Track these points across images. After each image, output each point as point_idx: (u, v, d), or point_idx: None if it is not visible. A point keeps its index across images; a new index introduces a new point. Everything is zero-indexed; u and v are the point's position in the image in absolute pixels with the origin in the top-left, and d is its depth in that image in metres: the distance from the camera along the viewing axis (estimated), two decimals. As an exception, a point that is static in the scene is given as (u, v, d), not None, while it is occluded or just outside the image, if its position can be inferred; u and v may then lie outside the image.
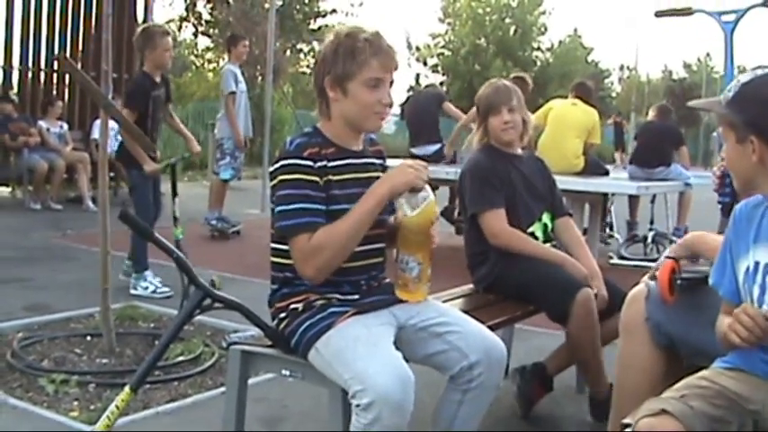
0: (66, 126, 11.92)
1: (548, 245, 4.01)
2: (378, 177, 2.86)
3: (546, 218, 4.06)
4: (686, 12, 3.05)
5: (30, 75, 12.74)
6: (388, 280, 2.99)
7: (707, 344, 2.68)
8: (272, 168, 2.79)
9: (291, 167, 2.72)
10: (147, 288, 6.12)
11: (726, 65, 3.26)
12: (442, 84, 33.49)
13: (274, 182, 2.75)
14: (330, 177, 2.76)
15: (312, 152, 2.75)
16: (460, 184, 4.08)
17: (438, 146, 9.55)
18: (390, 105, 2.83)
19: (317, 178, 2.72)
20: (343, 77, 2.76)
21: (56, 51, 12.79)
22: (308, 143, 2.78)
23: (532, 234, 3.97)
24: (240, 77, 9.25)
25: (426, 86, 11.95)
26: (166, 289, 6.11)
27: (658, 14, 3.39)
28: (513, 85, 4.16)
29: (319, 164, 2.74)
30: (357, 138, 2.92)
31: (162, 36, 6.20)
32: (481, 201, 3.95)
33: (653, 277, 2.86)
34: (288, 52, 22.44)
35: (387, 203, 2.75)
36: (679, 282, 2.69)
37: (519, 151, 4.14)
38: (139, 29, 6.47)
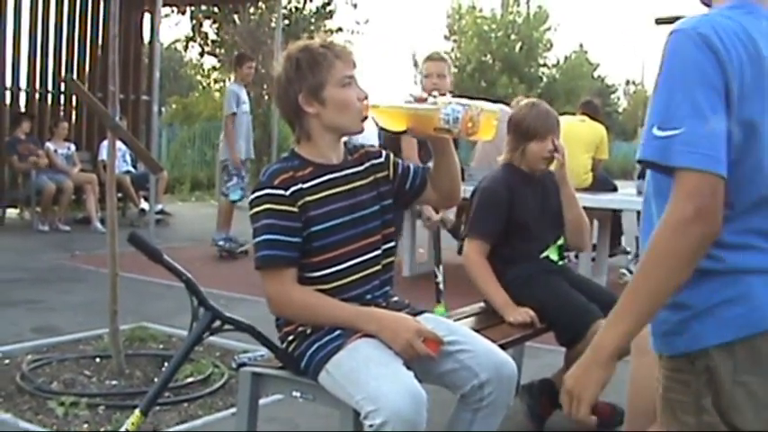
0: (73, 147, 11.94)
1: (562, 263, 3.99)
2: (362, 186, 2.89)
3: (561, 240, 4.01)
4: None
5: (37, 96, 12.77)
6: (396, 299, 2.97)
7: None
8: (249, 200, 2.80)
9: (262, 199, 2.74)
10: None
11: None
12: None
13: (250, 213, 2.77)
14: (307, 199, 2.75)
15: (285, 178, 2.75)
16: (471, 198, 4.05)
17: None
18: (367, 98, 2.84)
19: (289, 207, 2.72)
20: (316, 87, 2.77)
21: (63, 73, 12.82)
22: (282, 169, 2.78)
23: (547, 257, 3.94)
24: (244, 98, 9.22)
25: None
26: None
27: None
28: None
29: (293, 189, 2.74)
30: (337, 149, 2.91)
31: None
32: (475, 226, 3.93)
33: None
34: (294, 71, 22.42)
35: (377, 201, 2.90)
36: None
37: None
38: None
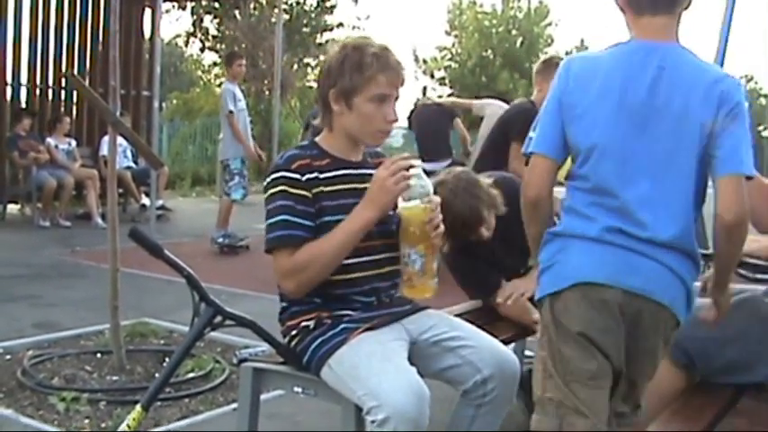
0: (74, 143, 11.91)
1: None
2: None
3: None
4: None
5: (38, 92, 12.76)
6: (399, 294, 2.96)
7: (729, 360, 2.65)
8: (264, 183, 2.79)
9: (278, 181, 2.72)
10: None
11: (722, 31, 3.46)
12: (450, 96, 33.48)
13: (265, 196, 2.75)
14: (321, 189, 2.74)
15: (302, 164, 2.74)
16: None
17: (449, 161, 9.54)
18: (395, 122, 2.82)
19: (304, 192, 2.71)
20: (349, 91, 2.73)
21: (64, 68, 12.81)
22: (300, 155, 2.77)
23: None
24: (239, 95, 9.28)
25: (435, 103, 11.47)
26: None
27: None
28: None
29: (308, 176, 2.72)
30: (357, 149, 2.89)
31: None
32: (476, 295, 3.91)
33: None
34: (295, 66, 22.36)
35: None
36: None
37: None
38: None
